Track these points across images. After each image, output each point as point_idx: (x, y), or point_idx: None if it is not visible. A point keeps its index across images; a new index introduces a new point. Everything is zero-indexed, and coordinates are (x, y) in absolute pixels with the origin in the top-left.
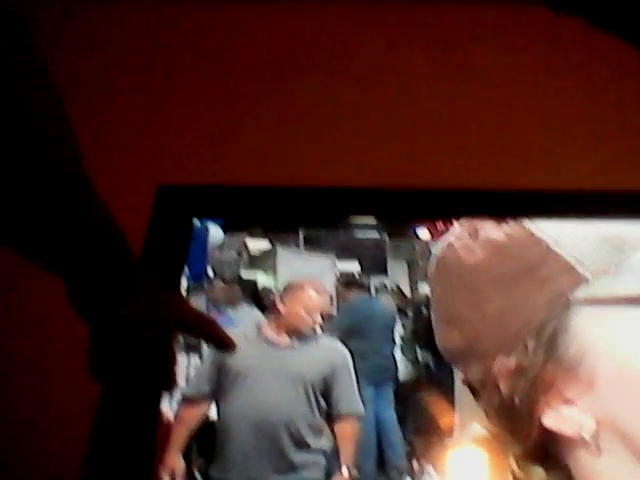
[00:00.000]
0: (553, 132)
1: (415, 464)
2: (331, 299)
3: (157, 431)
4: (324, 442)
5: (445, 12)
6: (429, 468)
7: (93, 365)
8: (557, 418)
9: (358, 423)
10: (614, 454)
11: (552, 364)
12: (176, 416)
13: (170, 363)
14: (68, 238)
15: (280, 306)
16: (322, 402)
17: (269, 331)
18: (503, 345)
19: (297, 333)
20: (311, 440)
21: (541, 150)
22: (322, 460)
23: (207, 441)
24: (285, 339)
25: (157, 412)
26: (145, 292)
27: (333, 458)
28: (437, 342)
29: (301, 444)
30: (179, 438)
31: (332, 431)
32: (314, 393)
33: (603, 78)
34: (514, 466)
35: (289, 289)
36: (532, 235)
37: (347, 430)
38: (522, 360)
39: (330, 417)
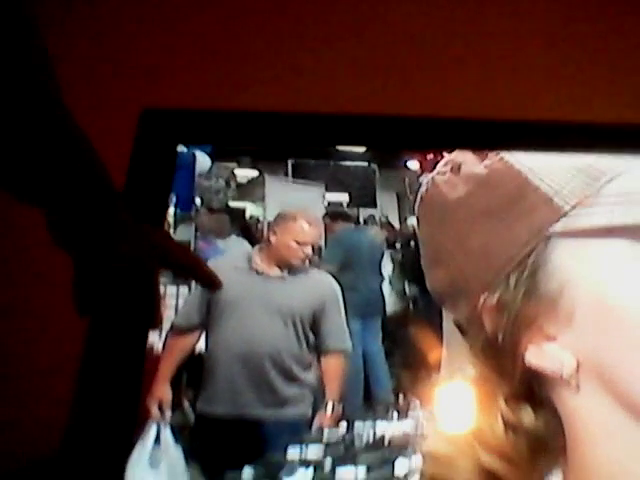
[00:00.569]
0: (543, 63)
1: (401, 398)
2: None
3: (145, 364)
4: (312, 376)
5: None
6: (415, 403)
7: (77, 298)
8: (539, 355)
9: (345, 359)
10: (593, 392)
11: (533, 299)
12: (165, 346)
13: (155, 301)
14: (49, 165)
15: (271, 236)
16: (311, 336)
17: (259, 262)
18: (486, 282)
19: (287, 265)
20: (299, 374)
21: (532, 80)
22: (309, 394)
23: (197, 372)
24: (275, 270)
25: (143, 347)
26: (129, 226)
27: (319, 393)
28: (427, 284)
29: (288, 377)
30: (167, 368)
31: (319, 366)
32: (302, 326)
33: (585, 11)
34: (502, 406)
35: (280, 219)
36: (511, 167)
37: (334, 366)
38: (504, 296)
39: (318, 351)
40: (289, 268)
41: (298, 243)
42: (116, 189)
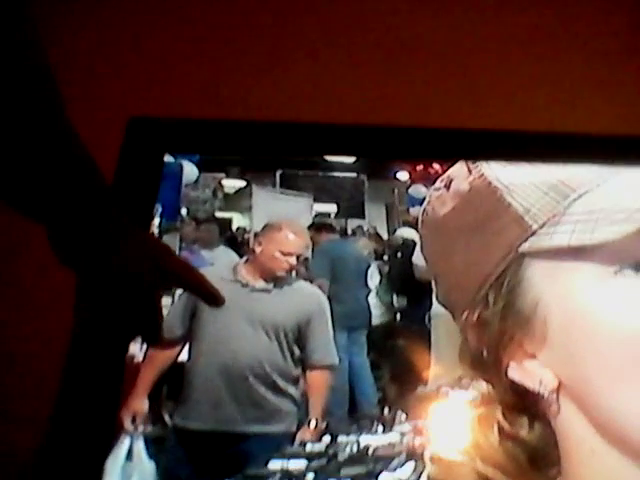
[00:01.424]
0: (530, 74)
1: (387, 411)
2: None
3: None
4: (297, 391)
5: None
6: (401, 416)
7: (79, 313)
8: (520, 371)
9: (331, 374)
10: (573, 411)
11: (511, 317)
12: (145, 358)
13: (157, 316)
14: (49, 177)
15: (256, 247)
16: (296, 349)
17: (244, 272)
18: (468, 298)
19: (272, 275)
20: (284, 387)
21: (520, 91)
22: (294, 409)
23: (177, 385)
24: (260, 282)
25: (124, 359)
26: (132, 240)
27: (304, 408)
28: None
29: (273, 391)
30: (146, 381)
31: (304, 380)
32: (287, 339)
33: (555, 19)
34: (500, 417)
35: (266, 229)
36: (489, 184)
37: (319, 381)
38: (484, 313)
39: (303, 365)
40: (274, 280)
41: (283, 253)
42: (115, 197)
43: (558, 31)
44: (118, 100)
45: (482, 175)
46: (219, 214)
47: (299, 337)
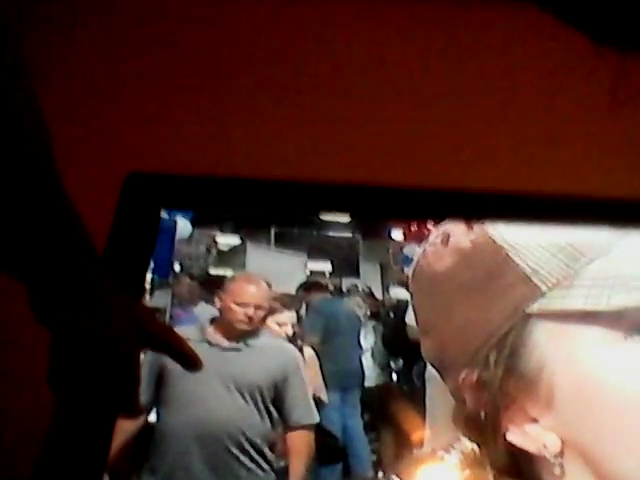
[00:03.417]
0: (527, 133)
1: (381, 475)
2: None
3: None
4: (276, 455)
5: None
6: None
7: (53, 377)
8: (521, 435)
9: (312, 434)
10: (578, 473)
11: (513, 379)
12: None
13: (135, 384)
14: (33, 237)
15: (217, 303)
16: (273, 410)
17: (211, 332)
18: (467, 358)
19: (235, 331)
20: (262, 453)
21: (515, 152)
22: (273, 476)
23: (146, 452)
24: (226, 340)
25: (111, 432)
26: (113, 303)
27: (283, 474)
28: (421, 352)
29: (251, 458)
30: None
31: (284, 442)
32: (263, 400)
33: (563, 79)
34: None
35: (225, 283)
36: (493, 242)
37: (300, 443)
38: (484, 374)
39: (283, 427)
40: (240, 336)
41: (238, 304)
42: (98, 258)
43: (548, 91)
44: (114, 155)
45: (485, 233)
46: (213, 271)
47: (276, 396)
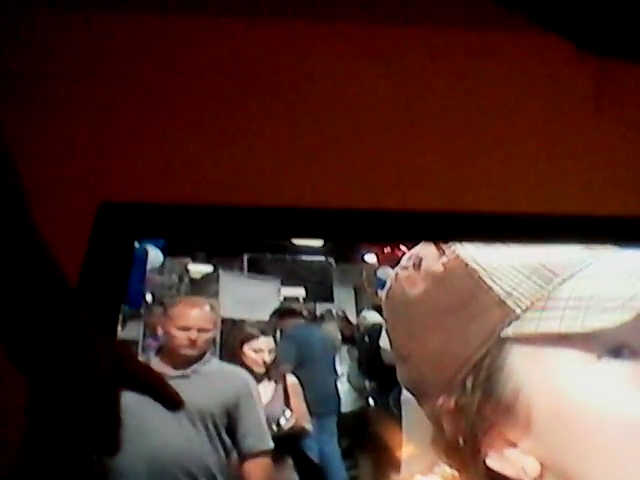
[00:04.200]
0: (505, 155)
1: None
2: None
3: None
4: None
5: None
6: None
7: (31, 424)
8: (500, 460)
9: (268, 461)
10: None
11: (490, 404)
12: None
13: (116, 423)
14: (7, 284)
15: (160, 331)
16: (226, 438)
17: (157, 362)
18: (443, 383)
19: (180, 358)
20: None
21: (488, 173)
22: None
23: None
24: (174, 368)
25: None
26: (92, 343)
27: None
28: (397, 377)
29: None
30: None
31: (241, 472)
32: (215, 427)
33: (538, 97)
34: None
35: (167, 310)
36: (466, 266)
37: (257, 471)
38: (461, 399)
39: (237, 455)
40: (186, 363)
41: (179, 329)
42: (73, 293)
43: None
44: (86, 185)
45: (457, 256)
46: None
47: (229, 423)
